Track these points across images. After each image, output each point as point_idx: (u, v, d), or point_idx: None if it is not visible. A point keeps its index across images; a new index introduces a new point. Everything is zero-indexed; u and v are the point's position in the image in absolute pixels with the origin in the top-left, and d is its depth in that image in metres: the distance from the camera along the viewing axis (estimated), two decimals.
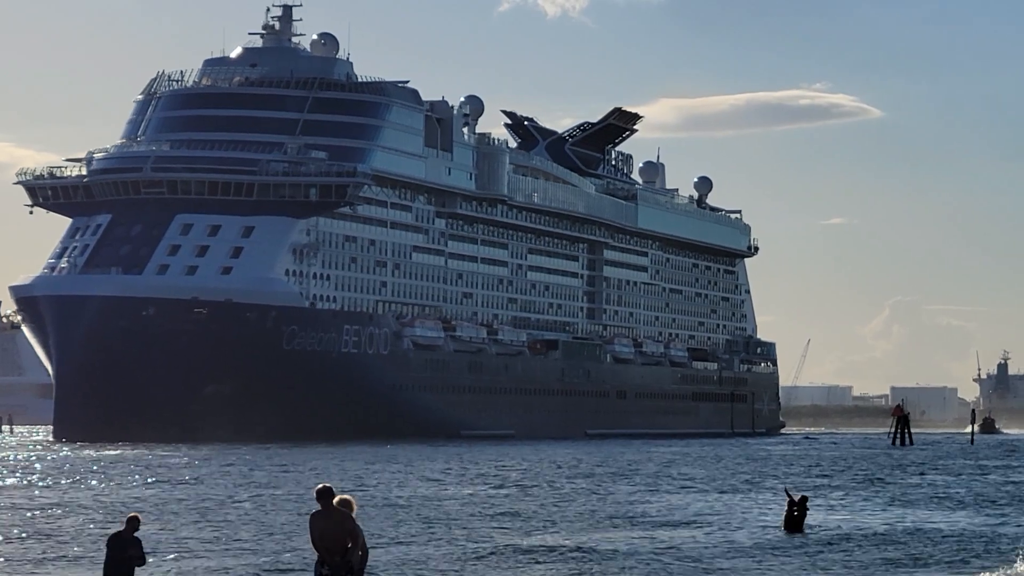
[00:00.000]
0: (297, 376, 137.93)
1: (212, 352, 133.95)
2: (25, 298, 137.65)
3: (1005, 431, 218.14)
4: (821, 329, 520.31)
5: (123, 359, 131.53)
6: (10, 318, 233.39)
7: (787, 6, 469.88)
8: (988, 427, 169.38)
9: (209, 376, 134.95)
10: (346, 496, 22.59)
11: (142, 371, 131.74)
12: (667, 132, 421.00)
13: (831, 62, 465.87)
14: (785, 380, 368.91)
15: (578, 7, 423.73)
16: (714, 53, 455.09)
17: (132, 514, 24.42)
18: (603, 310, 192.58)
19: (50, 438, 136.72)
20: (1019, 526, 48.45)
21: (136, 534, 24.13)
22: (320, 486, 22.61)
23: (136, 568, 24.10)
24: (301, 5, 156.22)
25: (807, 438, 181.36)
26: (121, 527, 24.37)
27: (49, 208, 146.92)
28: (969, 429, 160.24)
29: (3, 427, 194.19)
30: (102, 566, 24.09)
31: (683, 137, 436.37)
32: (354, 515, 22.50)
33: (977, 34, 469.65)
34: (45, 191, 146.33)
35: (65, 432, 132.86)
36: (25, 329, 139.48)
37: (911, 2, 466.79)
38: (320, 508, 22.49)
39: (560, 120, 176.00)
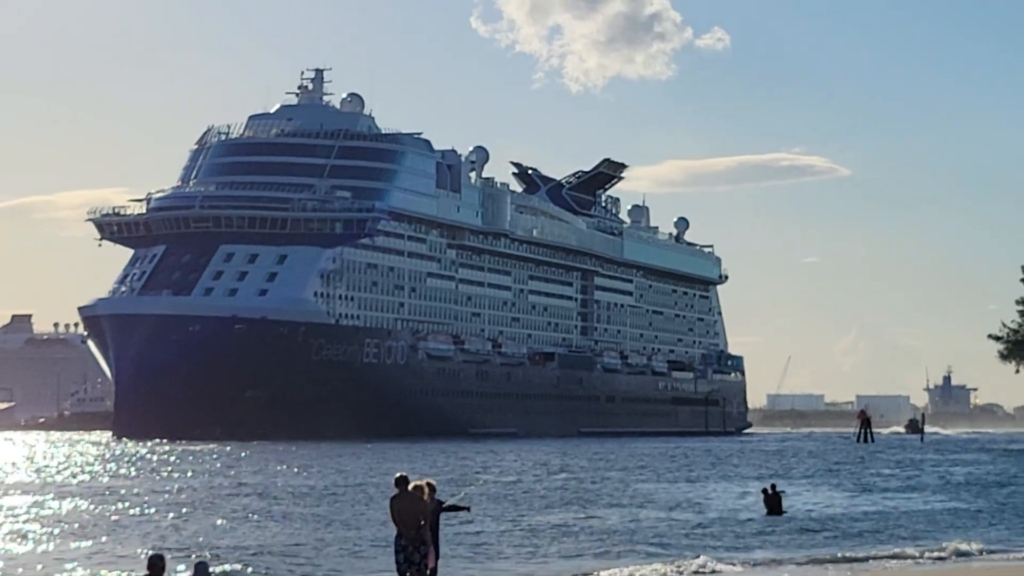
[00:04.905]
0: (324, 383, 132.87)
1: (250, 362, 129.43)
2: (90, 317, 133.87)
3: (939, 431, 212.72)
4: (799, 347, 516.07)
5: (173, 368, 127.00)
6: None
7: (772, 84, 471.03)
8: (912, 428, 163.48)
9: (248, 383, 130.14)
10: (423, 482, 22.22)
11: (189, 379, 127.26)
12: (675, 187, 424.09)
13: (807, 130, 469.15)
14: (770, 389, 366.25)
15: (599, 85, 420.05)
16: (713, 122, 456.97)
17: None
18: (594, 328, 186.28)
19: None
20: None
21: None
22: (398, 474, 22.38)
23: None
24: (331, 69, 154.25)
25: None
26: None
27: (115, 241, 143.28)
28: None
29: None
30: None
31: (688, 192, 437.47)
32: (432, 496, 22.10)
33: (928, 105, 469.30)
34: (111, 226, 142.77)
35: (123, 431, 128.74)
36: (90, 343, 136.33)
37: (873, 81, 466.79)
38: (398, 491, 22.18)
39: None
